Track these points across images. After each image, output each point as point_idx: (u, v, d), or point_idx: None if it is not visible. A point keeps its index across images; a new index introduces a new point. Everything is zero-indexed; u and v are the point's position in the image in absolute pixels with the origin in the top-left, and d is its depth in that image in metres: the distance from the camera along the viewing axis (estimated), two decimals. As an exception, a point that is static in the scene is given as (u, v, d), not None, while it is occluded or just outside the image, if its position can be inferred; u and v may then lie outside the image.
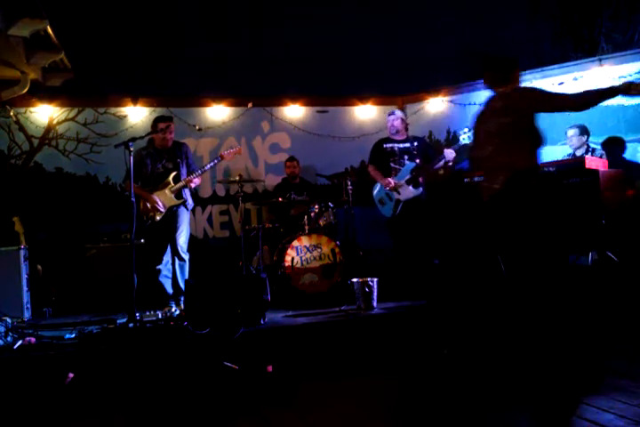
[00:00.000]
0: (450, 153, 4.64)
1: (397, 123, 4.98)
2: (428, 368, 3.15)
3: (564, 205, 4.22)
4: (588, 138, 4.89)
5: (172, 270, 4.46)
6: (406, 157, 4.91)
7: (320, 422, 2.44)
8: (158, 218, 4.40)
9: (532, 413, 2.33)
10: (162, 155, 4.51)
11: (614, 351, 3.11)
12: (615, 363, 2.95)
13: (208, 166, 4.58)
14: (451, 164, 4.77)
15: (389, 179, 4.81)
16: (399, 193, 4.81)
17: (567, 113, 5.49)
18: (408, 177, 4.80)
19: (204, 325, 3.47)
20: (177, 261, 4.43)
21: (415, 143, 4.96)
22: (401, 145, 4.96)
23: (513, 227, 3.18)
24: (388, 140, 5.04)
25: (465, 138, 4.70)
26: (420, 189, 4.81)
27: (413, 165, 4.83)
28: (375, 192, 5.03)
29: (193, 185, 4.55)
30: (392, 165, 4.91)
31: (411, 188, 4.79)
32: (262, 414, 2.56)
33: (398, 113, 5.10)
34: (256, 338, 3.41)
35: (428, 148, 5.11)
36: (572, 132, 4.96)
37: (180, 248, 4.42)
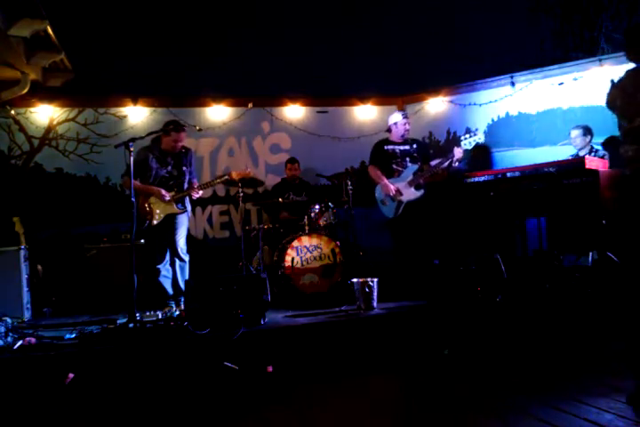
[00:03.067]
0: (459, 152, 4.71)
1: (409, 126, 5.06)
2: (428, 368, 3.15)
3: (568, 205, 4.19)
4: (591, 138, 4.87)
5: (172, 271, 4.46)
6: (408, 159, 4.97)
7: (320, 422, 2.44)
8: (155, 222, 4.38)
9: (531, 412, 2.33)
10: (168, 160, 4.48)
11: (614, 351, 3.11)
12: (615, 363, 2.95)
13: (215, 182, 4.69)
14: (457, 164, 4.82)
15: (391, 186, 4.84)
16: (401, 194, 4.83)
17: (567, 114, 5.56)
18: (410, 178, 4.83)
19: (204, 325, 3.47)
20: (177, 262, 4.44)
21: (414, 146, 5.06)
22: (401, 147, 5.03)
23: None
24: (388, 141, 5.09)
25: (466, 144, 4.74)
26: (422, 191, 4.83)
27: (416, 167, 4.89)
28: (378, 193, 5.04)
29: (196, 196, 4.51)
30: (394, 167, 4.97)
31: (413, 189, 4.82)
32: (262, 414, 2.56)
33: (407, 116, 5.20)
34: (256, 338, 3.41)
35: (426, 149, 5.23)
36: (575, 132, 4.92)
37: (179, 249, 4.43)
